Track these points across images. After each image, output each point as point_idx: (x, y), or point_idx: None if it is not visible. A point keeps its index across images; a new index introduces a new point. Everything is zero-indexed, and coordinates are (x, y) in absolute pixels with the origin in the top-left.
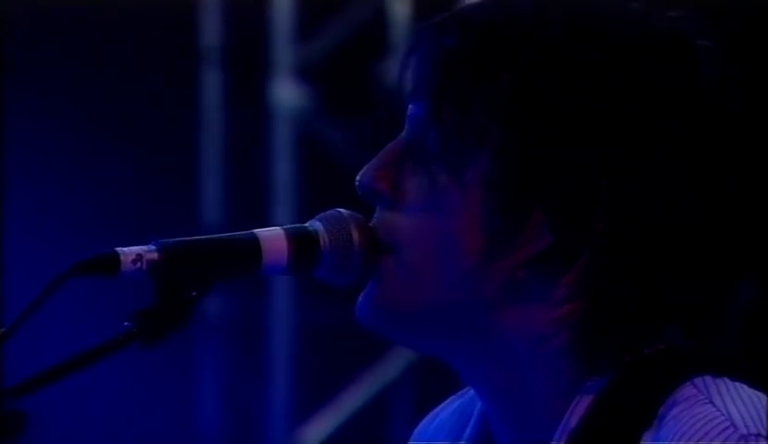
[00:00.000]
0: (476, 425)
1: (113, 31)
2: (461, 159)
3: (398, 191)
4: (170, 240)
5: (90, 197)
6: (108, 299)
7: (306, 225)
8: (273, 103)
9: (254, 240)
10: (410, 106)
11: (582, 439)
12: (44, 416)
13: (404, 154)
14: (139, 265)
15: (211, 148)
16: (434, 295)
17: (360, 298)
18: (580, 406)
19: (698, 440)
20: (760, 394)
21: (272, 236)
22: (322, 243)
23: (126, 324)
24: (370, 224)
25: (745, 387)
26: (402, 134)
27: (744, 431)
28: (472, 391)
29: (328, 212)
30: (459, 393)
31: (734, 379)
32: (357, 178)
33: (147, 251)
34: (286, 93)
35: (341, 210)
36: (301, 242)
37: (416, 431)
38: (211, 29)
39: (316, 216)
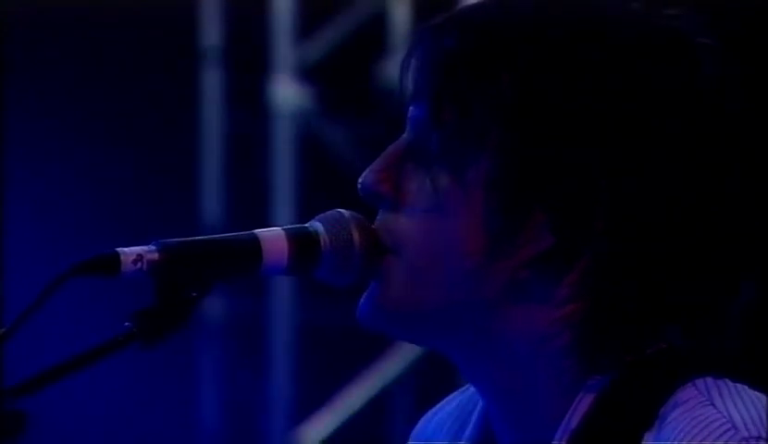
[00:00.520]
0: (478, 424)
1: (113, 31)
2: (462, 160)
3: (400, 192)
4: (171, 240)
5: (90, 197)
6: (108, 299)
7: (307, 225)
8: (273, 103)
9: (255, 241)
10: (411, 108)
11: (583, 439)
12: (44, 416)
13: (406, 156)
14: (139, 265)
15: (211, 148)
16: (436, 296)
17: (362, 299)
18: (581, 406)
19: (699, 443)
20: (760, 396)
21: (272, 236)
22: (322, 244)
23: (126, 324)
24: (372, 225)
25: (746, 388)
26: (404, 136)
27: (745, 434)
28: (472, 388)
29: (329, 212)
30: (459, 390)
31: (734, 380)
32: (360, 180)
33: (148, 251)
34: (286, 93)
35: (342, 210)
36: (301, 243)
37: (415, 430)
38: (211, 29)
39: (317, 217)
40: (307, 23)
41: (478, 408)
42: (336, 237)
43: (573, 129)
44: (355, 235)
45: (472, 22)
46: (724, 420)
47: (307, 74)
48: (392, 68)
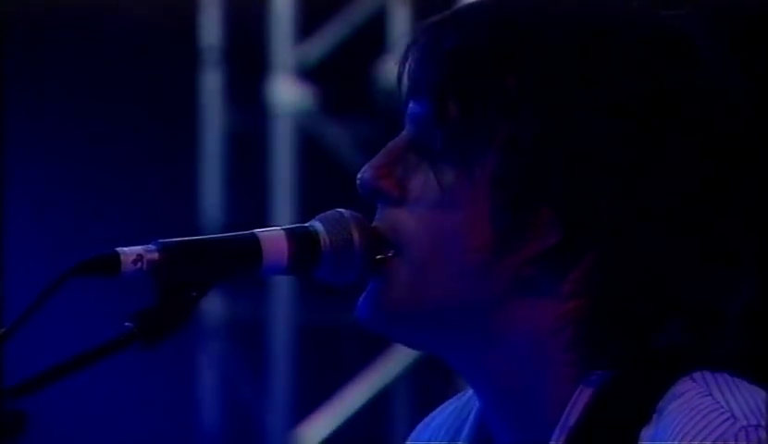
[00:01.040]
0: (475, 424)
1: (113, 32)
2: (468, 157)
3: (402, 189)
4: (170, 240)
5: (89, 197)
6: (109, 299)
7: (306, 225)
8: (273, 103)
9: (255, 241)
10: (410, 104)
11: (581, 435)
12: (44, 416)
13: (407, 152)
14: (139, 265)
15: (211, 148)
16: (441, 293)
17: (362, 299)
18: (579, 402)
19: (698, 432)
20: (759, 389)
21: (272, 236)
22: (322, 243)
23: (126, 324)
24: (372, 223)
25: (744, 382)
26: (404, 132)
27: (744, 422)
28: (468, 394)
29: (329, 212)
30: (455, 397)
31: (733, 376)
32: (359, 176)
33: (148, 251)
34: (286, 93)
35: (342, 210)
36: (301, 242)
37: (412, 436)
38: (211, 29)
39: (317, 217)
40: (307, 23)
41: (474, 411)
42: (336, 236)
43: (580, 125)
44: (355, 234)
45: (475, 20)
46: (723, 410)
47: (307, 74)
48: (392, 68)
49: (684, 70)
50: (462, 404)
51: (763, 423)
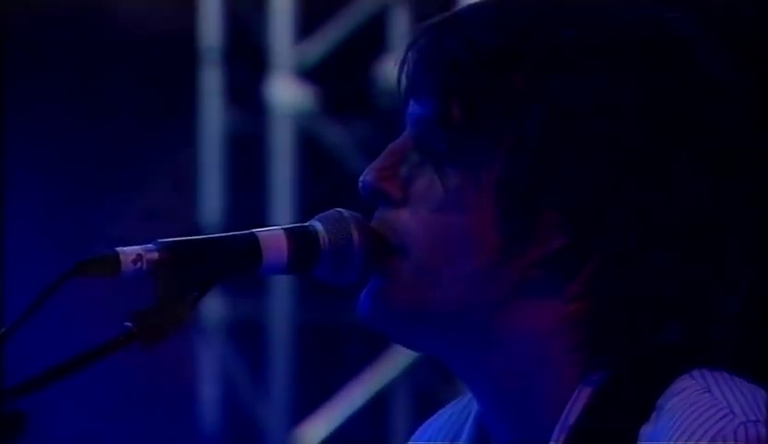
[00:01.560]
0: (474, 426)
1: (112, 31)
2: (474, 159)
3: (405, 191)
4: (170, 239)
5: (89, 197)
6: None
7: (306, 225)
8: (272, 103)
9: (254, 240)
10: (411, 105)
11: (580, 434)
12: (44, 416)
13: (410, 154)
14: (139, 265)
15: (210, 148)
16: (445, 294)
17: (363, 296)
18: (579, 401)
19: (697, 428)
20: (757, 387)
21: (272, 236)
22: (322, 243)
23: (126, 324)
24: (372, 224)
25: (743, 380)
26: (405, 133)
27: (743, 418)
28: (466, 399)
29: (328, 212)
30: (452, 402)
31: (732, 374)
32: (361, 178)
33: (147, 251)
34: (285, 93)
35: (342, 210)
36: (301, 242)
37: (412, 438)
38: (210, 29)
39: (316, 216)
40: (307, 23)
41: (473, 413)
42: (335, 236)
43: (588, 127)
44: (355, 234)
45: (479, 20)
46: (722, 405)
47: (307, 74)
48: (392, 69)
49: (689, 72)
50: (460, 408)
51: (762, 418)
